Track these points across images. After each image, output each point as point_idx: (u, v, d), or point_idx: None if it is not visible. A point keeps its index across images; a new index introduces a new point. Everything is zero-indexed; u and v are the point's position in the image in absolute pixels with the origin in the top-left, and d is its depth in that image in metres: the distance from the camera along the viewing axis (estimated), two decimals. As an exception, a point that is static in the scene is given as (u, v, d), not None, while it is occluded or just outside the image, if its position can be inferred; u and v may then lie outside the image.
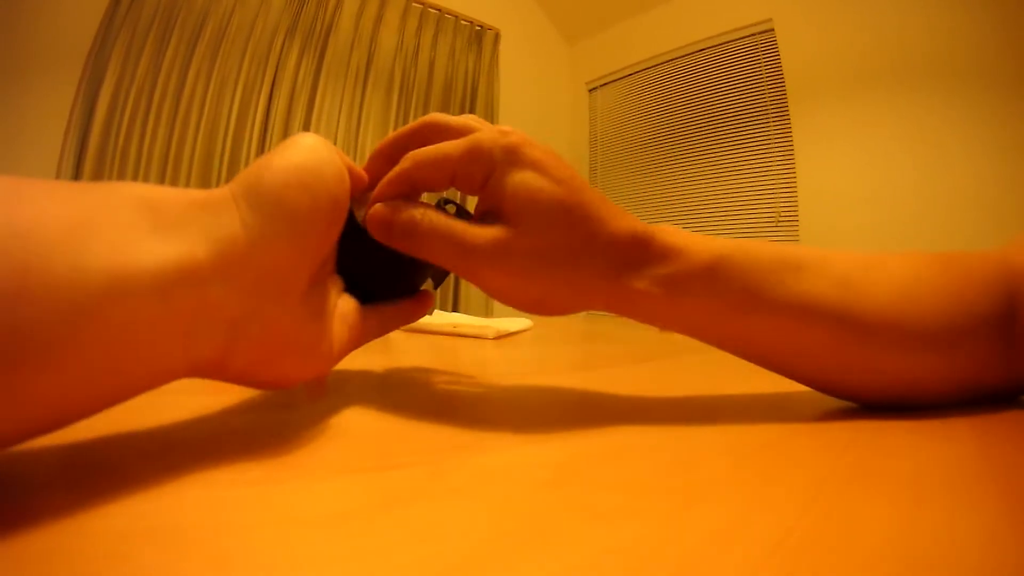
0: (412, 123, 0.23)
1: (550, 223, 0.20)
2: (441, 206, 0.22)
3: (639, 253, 0.21)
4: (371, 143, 2.26)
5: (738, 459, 0.17)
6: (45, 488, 0.11)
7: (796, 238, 2.10)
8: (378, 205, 0.21)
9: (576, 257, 0.20)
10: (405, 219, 0.20)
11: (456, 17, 2.55)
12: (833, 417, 0.22)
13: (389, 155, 0.23)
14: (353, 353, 0.21)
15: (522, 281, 0.20)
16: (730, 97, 2.36)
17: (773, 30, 2.20)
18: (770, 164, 2.22)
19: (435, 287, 0.27)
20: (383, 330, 0.23)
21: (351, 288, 0.21)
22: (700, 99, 2.48)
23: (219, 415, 0.20)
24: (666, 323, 0.23)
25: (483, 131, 0.21)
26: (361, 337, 0.21)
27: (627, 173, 2.78)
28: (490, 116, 2.65)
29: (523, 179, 0.20)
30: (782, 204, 2.17)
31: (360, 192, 0.21)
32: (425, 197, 0.22)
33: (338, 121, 2.18)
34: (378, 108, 2.30)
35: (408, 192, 0.21)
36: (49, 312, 0.10)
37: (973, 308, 0.23)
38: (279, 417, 0.21)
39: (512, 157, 0.20)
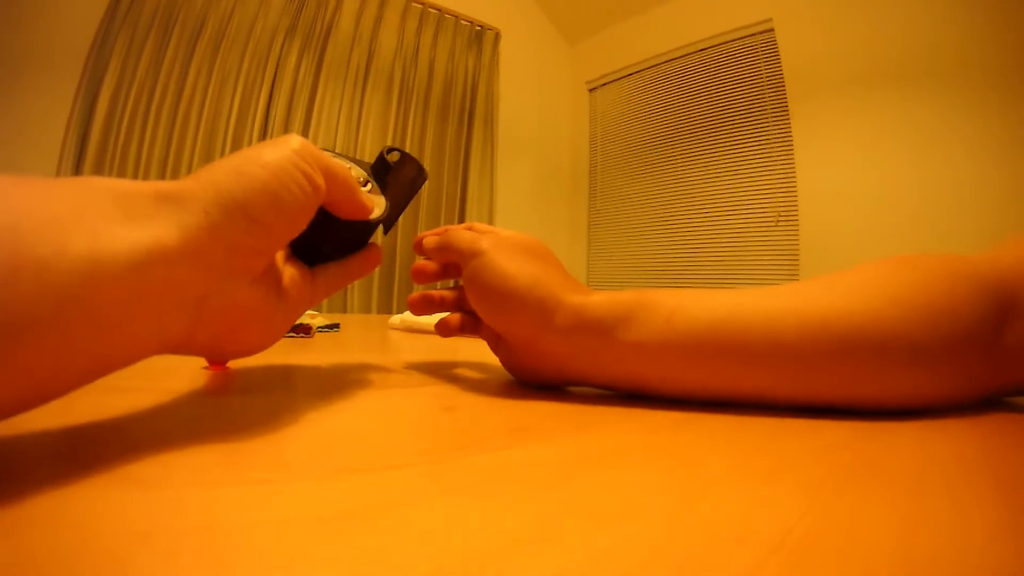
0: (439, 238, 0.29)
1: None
2: (384, 154, 0.27)
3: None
4: (371, 143, 2.26)
5: (738, 458, 0.17)
6: (42, 488, 0.11)
7: (796, 238, 2.10)
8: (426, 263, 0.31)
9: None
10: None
11: (456, 17, 2.55)
12: (833, 415, 0.22)
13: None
14: (353, 353, 0.21)
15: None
16: (730, 97, 2.36)
17: (773, 30, 2.20)
18: (770, 164, 2.22)
19: (385, 233, 0.28)
20: (333, 288, 0.25)
21: (298, 253, 0.22)
22: (700, 99, 2.48)
23: (219, 416, 0.20)
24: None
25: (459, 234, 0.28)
26: (312, 298, 0.23)
27: (627, 173, 2.78)
28: (490, 116, 2.65)
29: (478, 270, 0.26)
30: (782, 204, 2.17)
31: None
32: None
33: (338, 121, 2.18)
34: (378, 108, 2.30)
35: (440, 255, 0.29)
36: (38, 292, 0.11)
37: (960, 319, 0.22)
38: (278, 419, 0.21)
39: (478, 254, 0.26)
